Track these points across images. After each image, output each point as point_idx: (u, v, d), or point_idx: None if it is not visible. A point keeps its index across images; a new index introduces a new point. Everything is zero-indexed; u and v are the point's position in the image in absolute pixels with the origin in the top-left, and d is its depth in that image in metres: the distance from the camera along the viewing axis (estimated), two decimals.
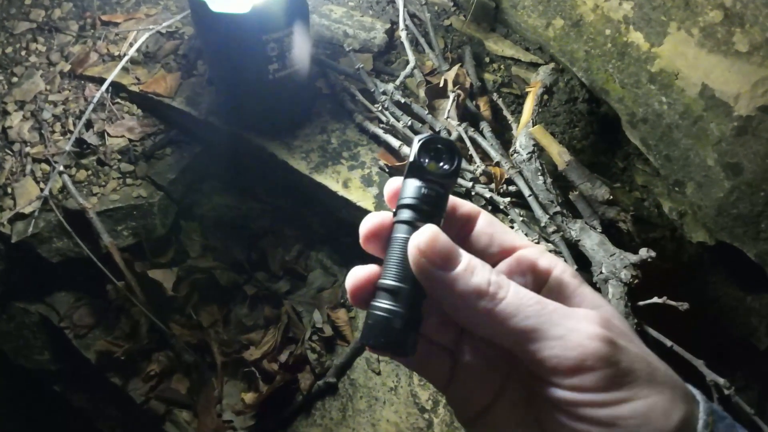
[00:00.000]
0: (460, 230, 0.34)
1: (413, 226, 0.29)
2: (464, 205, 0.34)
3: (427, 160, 0.31)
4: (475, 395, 0.32)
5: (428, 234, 0.28)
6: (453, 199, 0.33)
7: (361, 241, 0.32)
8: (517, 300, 0.27)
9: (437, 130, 0.88)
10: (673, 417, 0.26)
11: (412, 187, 0.30)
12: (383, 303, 0.29)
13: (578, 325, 0.27)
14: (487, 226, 0.33)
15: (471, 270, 0.28)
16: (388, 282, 0.29)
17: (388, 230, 0.31)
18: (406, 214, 0.30)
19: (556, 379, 0.26)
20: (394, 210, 0.31)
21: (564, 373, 0.26)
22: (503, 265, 0.32)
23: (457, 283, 0.28)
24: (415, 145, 0.31)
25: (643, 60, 0.85)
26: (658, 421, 0.26)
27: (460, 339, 0.33)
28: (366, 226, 0.31)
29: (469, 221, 0.33)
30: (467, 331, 0.32)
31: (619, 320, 0.29)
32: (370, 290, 0.31)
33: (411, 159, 0.31)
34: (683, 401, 0.27)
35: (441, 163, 0.31)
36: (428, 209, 0.30)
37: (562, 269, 0.31)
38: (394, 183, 0.32)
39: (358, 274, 0.31)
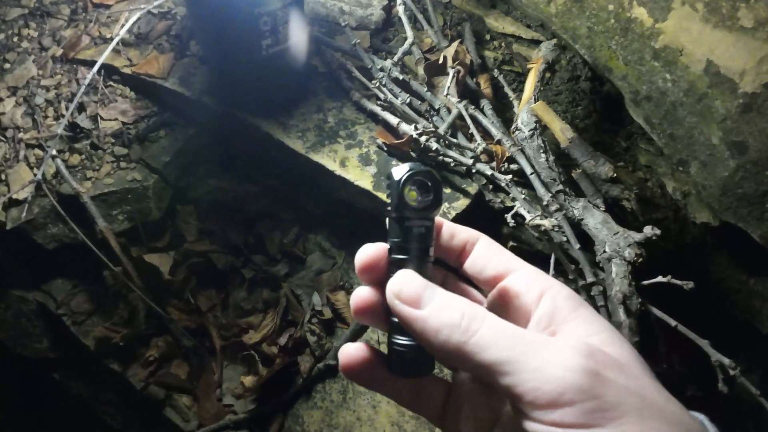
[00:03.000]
0: (458, 257, 0.34)
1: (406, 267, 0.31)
2: (462, 232, 0.34)
3: (409, 195, 0.31)
4: (471, 425, 0.32)
5: (401, 279, 0.30)
6: (451, 226, 0.34)
7: (356, 271, 0.33)
8: (491, 332, 0.27)
9: (436, 107, 0.86)
10: None
11: (401, 228, 0.32)
12: (398, 339, 0.32)
13: (557, 355, 0.25)
14: (484, 249, 0.33)
15: (444, 306, 0.28)
16: (396, 320, 0.31)
17: (382, 263, 0.32)
18: (400, 257, 0.32)
19: (534, 413, 0.25)
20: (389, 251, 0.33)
21: (541, 407, 0.25)
22: (497, 288, 0.32)
23: (430, 320, 0.28)
24: (397, 186, 0.31)
25: (646, 36, 0.83)
26: None
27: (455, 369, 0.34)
28: (361, 258, 0.33)
29: (468, 246, 0.34)
30: None
31: (618, 347, 0.28)
32: (370, 310, 0.33)
33: (395, 201, 0.31)
34: None
35: (423, 195, 0.31)
36: (420, 246, 0.32)
37: (555, 293, 0.30)
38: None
39: (360, 294, 0.33)
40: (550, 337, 0.28)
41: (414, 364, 0.31)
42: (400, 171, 0.32)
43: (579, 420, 0.24)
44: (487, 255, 0.33)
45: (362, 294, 0.33)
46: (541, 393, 0.25)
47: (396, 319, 0.31)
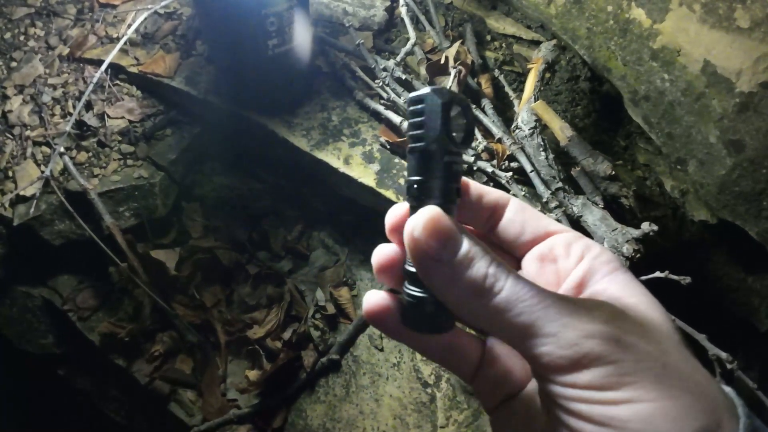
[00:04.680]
0: (488, 219, 0.32)
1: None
2: (492, 193, 0.32)
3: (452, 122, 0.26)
4: (505, 384, 0.32)
5: (426, 217, 0.26)
6: (479, 187, 0.31)
7: (387, 232, 0.31)
8: (512, 294, 0.25)
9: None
10: (687, 426, 0.23)
11: (433, 163, 0.27)
12: (413, 290, 0.28)
13: (575, 321, 0.25)
14: (517, 213, 0.32)
15: (469, 261, 0.26)
16: (413, 269, 0.28)
17: None
18: (428, 195, 0.27)
19: (550, 375, 0.25)
20: (409, 186, 0.28)
21: (556, 371, 0.25)
22: (535, 251, 0.31)
23: (453, 276, 0.26)
24: (440, 111, 0.25)
25: (645, 37, 0.84)
26: (665, 428, 0.23)
27: None
28: (392, 217, 0.30)
29: (497, 209, 0.32)
30: None
31: (650, 312, 0.27)
32: (393, 270, 0.30)
33: (437, 129, 0.26)
34: (708, 411, 0.24)
35: (463, 124, 0.27)
36: (451, 186, 0.27)
37: (595, 255, 0.29)
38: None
39: (382, 252, 0.30)
40: (575, 298, 0.27)
41: (429, 318, 0.27)
42: (439, 93, 0.26)
43: (593, 382, 0.24)
44: (522, 218, 0.31)
45: (385, 251, 0.30)
46: (556, 357, 0.24)
47: (409, 268, 0.27)
